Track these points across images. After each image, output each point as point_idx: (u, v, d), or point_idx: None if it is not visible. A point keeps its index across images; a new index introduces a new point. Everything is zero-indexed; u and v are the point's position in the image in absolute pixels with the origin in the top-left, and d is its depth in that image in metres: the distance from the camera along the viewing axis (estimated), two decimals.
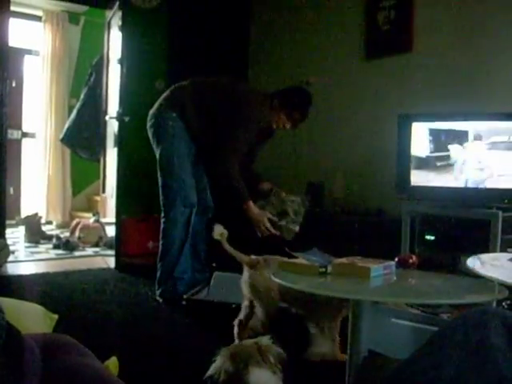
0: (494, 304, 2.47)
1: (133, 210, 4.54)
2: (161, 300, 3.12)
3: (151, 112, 3.28)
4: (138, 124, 4.26)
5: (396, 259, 1.92)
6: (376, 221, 3.66)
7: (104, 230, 5.30)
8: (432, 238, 3.22)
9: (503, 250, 2.80)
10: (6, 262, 3.71)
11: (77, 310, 2.93)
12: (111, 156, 5.20)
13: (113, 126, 5.04)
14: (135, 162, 4.42)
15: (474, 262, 1.72)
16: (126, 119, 4.18)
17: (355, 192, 4.03)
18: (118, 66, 4.46)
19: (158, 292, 3.18)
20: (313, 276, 1.75)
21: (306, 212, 3.83)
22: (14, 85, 5.95)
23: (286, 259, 2.06)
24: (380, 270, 1.78)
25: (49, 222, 6.48)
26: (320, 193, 4.15)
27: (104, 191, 5.70)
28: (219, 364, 1.41)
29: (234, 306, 2.65)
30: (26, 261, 4.46)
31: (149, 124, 3.28)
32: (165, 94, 3.31)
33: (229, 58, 4.83)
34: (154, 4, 4.51)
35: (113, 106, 5.00)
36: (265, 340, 1.46)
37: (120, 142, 4.33)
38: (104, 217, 5.59)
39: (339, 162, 4.19)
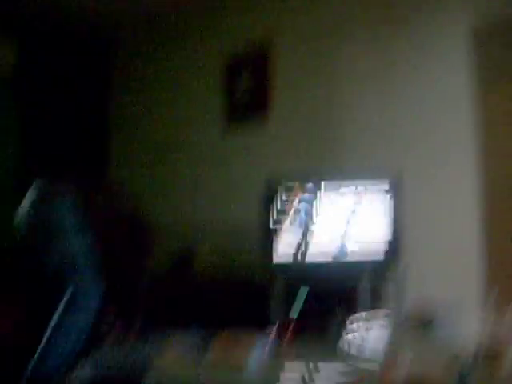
0: None
1: None
2: None
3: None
4: None
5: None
6: (246, 291, 3.59)
7: None
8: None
9: None
10: None
11: None
12: None
13: None
14: None
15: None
16: None
17: (222, 262, 3.95)
18: None
19: None
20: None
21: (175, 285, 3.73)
22: None
23: None
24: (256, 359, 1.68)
25: None
26: (184, 263, 4.01)
27: None
28: None
29: None
30: None
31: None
32: None
33: (90, 117, 4.61)
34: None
35: None
36: None
37: None
38: None
39: (206, 231, 4.10)
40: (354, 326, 1.77)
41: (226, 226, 4.01)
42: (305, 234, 3.13)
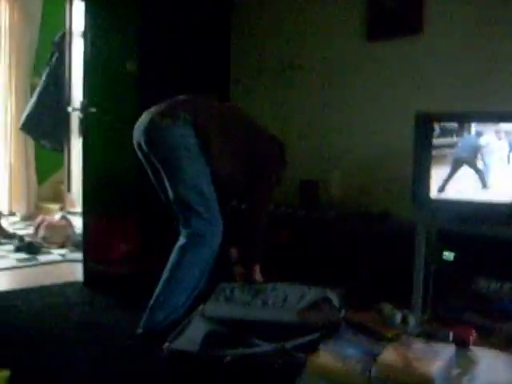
0: None
1: (100, 209, 3.99)
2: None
3: (152, 119, 2.60)
4: (107, 114, 3.76)
5: (451, 335, 1.46)
6: (381, 227, 3.20)
7: (71, 227, 4.79)
8: (451, 256, 2.78)
9: None
10: None
11: (35, 355, 2.40)
12: (76, 146, 4.69)
13: (78, 114, 4.49)
14: (103, 157, 3.88)
15: None
16: (92, 110, 3.62)
17: (355, 192, 3.56)
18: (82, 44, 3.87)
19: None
20: None
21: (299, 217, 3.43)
22: None
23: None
24: (443, 372, 1.30)
25: (12, 214, 5.94)
26: (315, 193, 3.68)
27: (70, 187, 5.17)
28: None
29: (228, 358, 2.13)
30: None
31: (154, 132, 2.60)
32: (174, 103, 2.67)
33: (209, 33, 4.27)
34: None
35: (76, 91, 4.43)
36: None
37: (85, 135, 3.76)
38: (72, 208, 5.10)
39: (337, 158, 3.70)
40: None
41: (362, 152, 3.58)
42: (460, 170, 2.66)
